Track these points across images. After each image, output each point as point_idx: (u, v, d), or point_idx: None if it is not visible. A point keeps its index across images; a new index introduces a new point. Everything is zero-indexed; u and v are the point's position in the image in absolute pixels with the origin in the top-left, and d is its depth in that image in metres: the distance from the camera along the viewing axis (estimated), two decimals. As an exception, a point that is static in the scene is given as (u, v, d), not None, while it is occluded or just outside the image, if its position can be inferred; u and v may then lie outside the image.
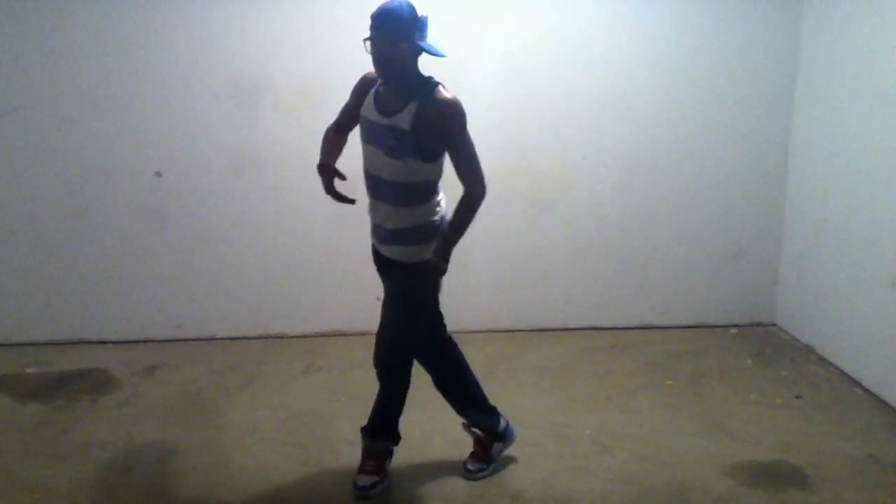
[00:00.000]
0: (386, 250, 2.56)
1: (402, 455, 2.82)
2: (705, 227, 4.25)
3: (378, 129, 2.41)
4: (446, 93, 2.38)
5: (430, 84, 2.39)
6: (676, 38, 4.02)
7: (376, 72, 2.40)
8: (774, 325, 4.35)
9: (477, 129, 3.83)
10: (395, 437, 2.72)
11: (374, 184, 2.49)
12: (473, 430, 2.76)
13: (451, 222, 2.46)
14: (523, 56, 3.98)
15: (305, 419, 3.17)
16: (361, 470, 2.64)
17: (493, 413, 2.79)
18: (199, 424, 3.13)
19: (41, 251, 3.97)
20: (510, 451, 2.86)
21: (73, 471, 2.75)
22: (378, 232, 2.56)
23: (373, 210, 2.55)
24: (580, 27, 3.97)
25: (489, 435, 2.76)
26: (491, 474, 2.74)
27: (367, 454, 2.67)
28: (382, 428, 2.69)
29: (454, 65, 3.84)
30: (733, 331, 4.29)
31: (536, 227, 4.19)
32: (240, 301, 4.15)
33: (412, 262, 2.50)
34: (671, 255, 4.28)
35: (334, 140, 2.62)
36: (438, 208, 2.52)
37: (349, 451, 2.86)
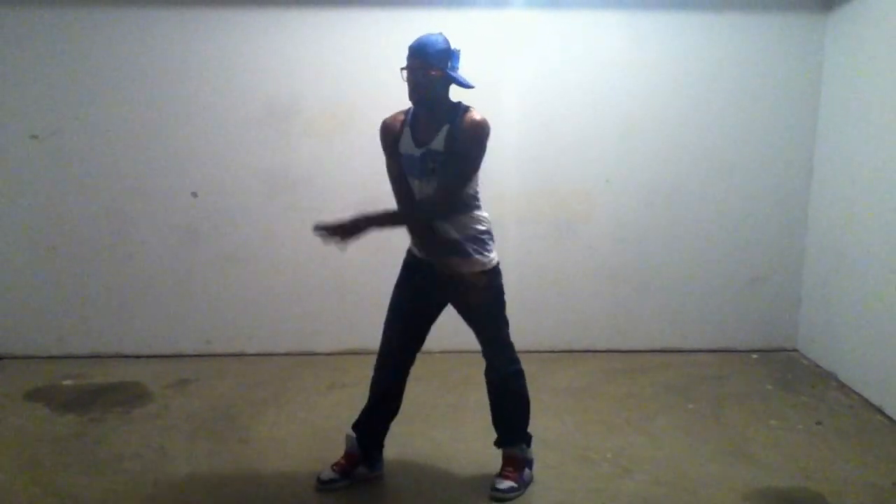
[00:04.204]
0: (453, 264, 2.61)
1: (423, 472, 2.91)
2: (727, 251, 4.28)
3: (416, 161, 2.52)
4: (477, 115, 2.50)
5: (461, 107, 2.52)
6: (699, 64, 4.08)
7: (410, 99, 2.51)
8: (796, 350, 4.34)
9: (503, 153, 3.97)
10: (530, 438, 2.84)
11: None
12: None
13: (396, 211, 2.58)
14: (548, 82, 4.07)
15: (330, 435, 3.22)
16: (502, 475, 2.77)
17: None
18: (226, 438, 3.22)
19: (79, 267, 4.13)
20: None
21: (106, 481, 2.84)
22: (438, 252, 2.63)
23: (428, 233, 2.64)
24: (604, 54, 4.06)
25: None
26: (517, 496, 2.74)
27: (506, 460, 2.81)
28: (519, 433, 2.81)
29: (483, 91, 3.96)
30: (754, 356, 4.29)
31: (559, 249, 4.24)
32: (268, 319, 4.26)
33: (473, 271, 2.60)
34: (693, 279, 4.30)
35: None
36: (483, 222, 2.62)
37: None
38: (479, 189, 2.60)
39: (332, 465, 2.81)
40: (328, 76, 4.02)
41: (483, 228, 2.61)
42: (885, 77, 3.53)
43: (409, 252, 2.75)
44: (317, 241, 4.09)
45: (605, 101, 4.11)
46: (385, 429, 2.86)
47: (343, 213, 4.14)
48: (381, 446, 2.88)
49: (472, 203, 2.59)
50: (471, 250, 2.58)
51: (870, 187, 3.66)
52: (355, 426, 2.84)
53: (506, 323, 2.74)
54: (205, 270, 4.17)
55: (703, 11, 4.02)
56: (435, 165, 2.49)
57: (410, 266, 2.73)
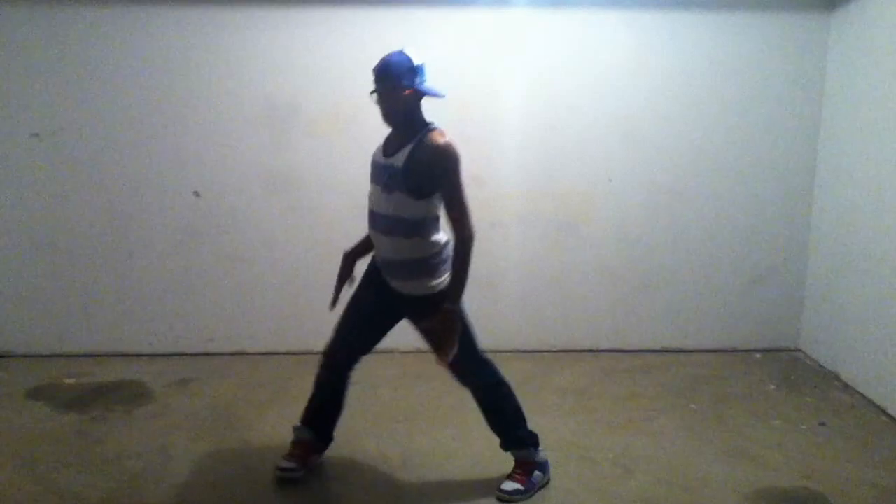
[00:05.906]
0: (397, 285, 2.63)
1: (425, 471, 2.90)
2: (730, 250, 4.27)
3: (380, 169, 2.58)
4: (440, 137, 2.46)
5: (427, 128, 2.51)
6: (701, 64, 4.07)
7: (386, 122, 2.56)
8: (799, 350, 4.33)
9: (504, 153, 3.97)
10: (536, 438, 2.83)
11: (371, 216, 2.63)
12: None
13: (452, 271, 2.50)
14: (550, 82, 4.06)
15: (331, 434, 3.23)
16: (510, 476, 2.77)
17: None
18: (227, 437, 3.21)
19: (81, 265, 4.13)
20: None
21: (107, 480, 2.84)
22: (384, 266, 2.66)
23: (374, 242, 2.68)
24: (606, 53, 4.05)
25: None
26: (523, 499, 2.73)
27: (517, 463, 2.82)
28: (518, 436, 2.80)
29: (484, 91, 3.99)
30: (757, 355, 4.28)
31: (561, 249, 4.23)
32: (270, 318, 4.25)
33: (423, 294, 2.58)
34: (695, 279, 4.29)
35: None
36: (435, 247, 2.57)
37: (372, 467, 2.94)
38: (440, 214, 2.56)
39: (288, 455, 2.84)
40: (329, 76, 4.01)
41: (435, 252, 2.56)
42: (889, 77, 3.52)
43: (374, 264, 2.75)
44: (317, 239, 4.15)
45: (606, 100, 4.10)
46: (334, 425, 2.91)
47: (344, 212, 4.16)
48: (331, 438, 2.93)
49: (431, 227, 2.56)
50: (417, 272, 2.56)
51: (873, 187, 3.64)
52: (306, 423, 2.89)
53: (474, 347, 2.66)
54: (206, 269, 4.17)
55: (706, 11, 4.01)
56: (390, 180, 2.49)
57: (375, 278, 2.73)
